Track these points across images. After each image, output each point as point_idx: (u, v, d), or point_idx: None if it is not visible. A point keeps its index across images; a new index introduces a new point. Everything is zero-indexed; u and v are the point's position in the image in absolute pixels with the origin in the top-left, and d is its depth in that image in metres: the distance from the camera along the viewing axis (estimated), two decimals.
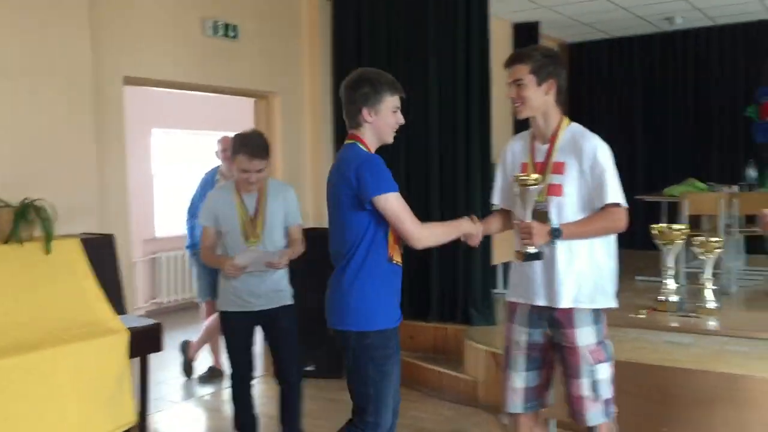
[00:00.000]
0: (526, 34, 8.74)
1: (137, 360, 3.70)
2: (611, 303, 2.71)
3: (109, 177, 4.42)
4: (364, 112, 2.66)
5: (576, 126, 2.78)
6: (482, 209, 5.35)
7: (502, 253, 6.18)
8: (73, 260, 3.58)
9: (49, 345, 3.16)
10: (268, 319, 3.69)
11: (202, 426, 4.83)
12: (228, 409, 4.20)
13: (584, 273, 2.67)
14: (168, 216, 8.01)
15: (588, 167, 2.65)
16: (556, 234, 2.62)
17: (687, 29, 9.19)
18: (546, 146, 2.77)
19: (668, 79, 9.46)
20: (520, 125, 9.32)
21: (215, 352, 5.51)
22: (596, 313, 2.70)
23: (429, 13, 5.48)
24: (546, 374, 2.83)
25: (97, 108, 4.27)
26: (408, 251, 3.26)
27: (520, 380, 2.80)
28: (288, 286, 3.79)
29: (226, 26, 5.11)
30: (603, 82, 9.96)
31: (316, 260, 5.18)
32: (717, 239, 3.06)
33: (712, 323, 3.01)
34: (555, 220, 2.66)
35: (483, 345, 4.72)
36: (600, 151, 2.66)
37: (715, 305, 3.08)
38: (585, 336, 2.67)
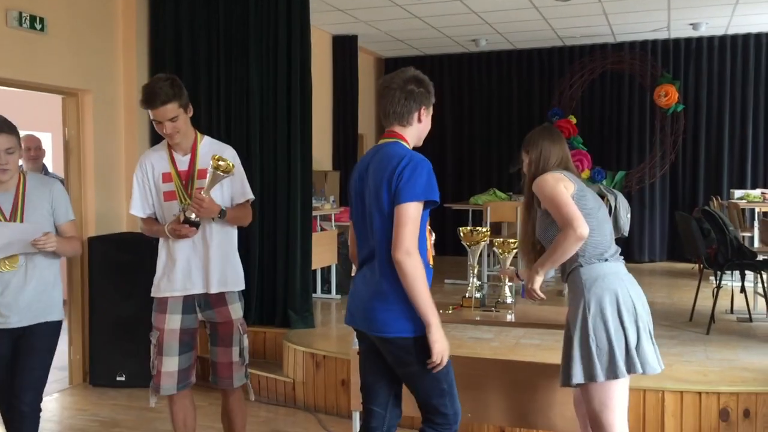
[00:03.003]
0: (344, 46, 9.03)
1: None
2: (243, 285, 3.28)
3: None
4: (422, 111, 2.58)
5: (208, 138, 3.29)
6: (302, 213, 5.48)
7: (321, 258, 6.35)
8: None
9: None
10: (20, 336, 3.08)
11: None
12: None
13: (229, 261, 3.22)
14: None
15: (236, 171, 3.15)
16: (222, 214, 3.09)
17: (491, 51, 9.98)
18: (188, 156, 3.18)
19: (474, 96, 10.21)
20: (339, 134, 9.47)
21: None
22: (239, 293, 3.27)
23: (250, 18, 5.51)
24: (194, 356, 3.28)
25: None
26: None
27: (173, 363, 3.17)
28: (60, 296, 3.23)
29: (33, 18, 4.80)
30: None
31: (126, 265, 5.08)
32: (514, 240, 3.40)
33: (509, 316, 3.33)
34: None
35: (302, 347, 4.83)
36: (236, 158, 3.23)
37: (511, 300, 3.42)
38: (236, 311, 3.23)
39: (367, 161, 2.60)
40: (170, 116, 3.04)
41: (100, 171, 5.45)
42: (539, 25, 8.48)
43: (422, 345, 2.44)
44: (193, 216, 3.03)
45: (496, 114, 10.21)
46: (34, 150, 4.93)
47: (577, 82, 9.58)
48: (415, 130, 2.60)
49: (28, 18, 4.76)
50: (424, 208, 2.45)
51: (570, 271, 2.83)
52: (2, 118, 3.02)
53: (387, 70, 10.73)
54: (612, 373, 2.70)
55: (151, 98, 3.02)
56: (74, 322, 5.35)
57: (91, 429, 4.39)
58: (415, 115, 2.57)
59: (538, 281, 2.90)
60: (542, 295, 2.92)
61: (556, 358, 3.00)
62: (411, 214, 2.39)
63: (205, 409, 4.39)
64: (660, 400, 3.83)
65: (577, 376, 2.74)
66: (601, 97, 9.76)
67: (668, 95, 8.93)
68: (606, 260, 2.79)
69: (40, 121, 7.48)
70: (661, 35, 9.12)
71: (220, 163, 2.98)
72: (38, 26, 4.85)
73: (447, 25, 8.47)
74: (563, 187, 2.79)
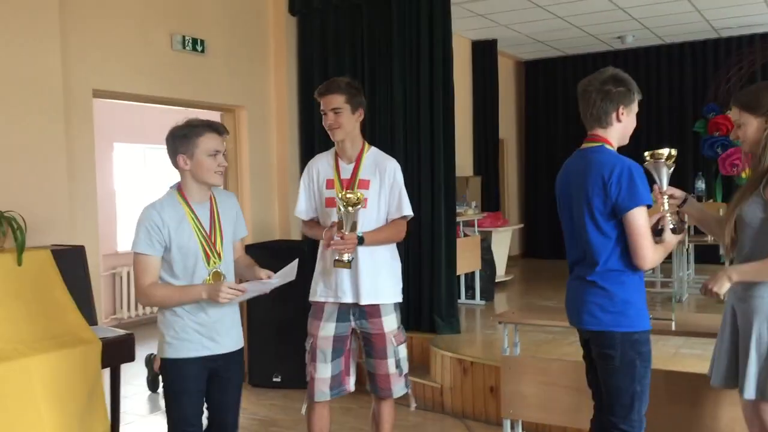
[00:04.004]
0: (484, 50, 8.99)
1: (108, 371, 3.71)
2: (400, 297, 3.25)
3: (78, 189, 4.43)
4: (621, 110, 2.57)
5: (375, 149, 3.27)
6: (446, 219, 5.49)
7: (464, 263, 6.34)
8: (45, 271, 3.59)
9: (23, 355, 3.18)
10: (222, 365, 2.79)
11: None
12: None
13: (383, 272, 3.18)
14: (129, 231, 7.95)
15: (388, 185, 3.19)
16: (360, 242, 3.04)
17: (638, 47, 9.56)
18: (352, 165, 3.20)
19: None
20: (480, 139, 9.39)
21: None
22: (394, 304, 3.23)
23: (393, 29, 5.61)
24: (347, 363, 3.26)
25: (67, 120, 4.28)
26: None
27: (326, 370, 3.20)
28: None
29: (194, 41, 5.17)
30: (558, 97, 10.26)
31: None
32: None
33: (671, 324, 3.18)
34: (358, 229, 3.04)
35: (449, 352, 4.84)
36: (398, 172, 3.22)
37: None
38: (389, 323, 3.19)
39: (572, 166, 2.64)
40: (333, 106, 3.16)
41: (255, 182, 5.75)
42: (691, 17, 8.04)
43: (628, 341, 2.49)
44: (346, 257, 2.99)
45: (645, 113, 9.65)
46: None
47: (735, 76, 8.96)
48: (617, 130, 2.59)
49: (190, 41, 5.13)
50: None
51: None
52: (222, 124, 2.91)
53: (527, 72, 10.57)
54: None
55: (323, 87, 3.23)
56: None
57: (251, 427, 4.62)
58: (613, 115, 2.56)
59: (726, 287, 2.56)
60: (722, 297, 2.67)
61: None
62: (642, 221, 2.44)
63: (356, 412, 4.51)
64: None
65: (749, 391, 2.56)
66: None
67: None
68: None
69: None
70: None
71: (349, 196, 2.91)
72: (199, 48, 5.21)
73: (590, 23, 8.22)
74: None
